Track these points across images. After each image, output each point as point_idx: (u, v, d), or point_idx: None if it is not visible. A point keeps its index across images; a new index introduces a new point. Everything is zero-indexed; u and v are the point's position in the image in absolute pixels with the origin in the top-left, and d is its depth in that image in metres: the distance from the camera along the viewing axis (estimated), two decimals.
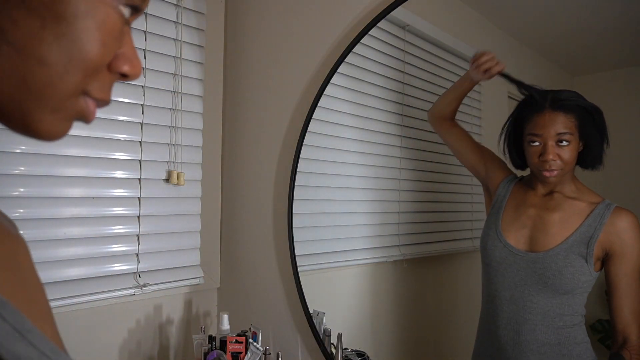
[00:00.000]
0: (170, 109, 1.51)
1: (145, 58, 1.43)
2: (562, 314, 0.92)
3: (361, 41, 1.26)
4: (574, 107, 0.89)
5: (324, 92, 1.33)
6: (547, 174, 0.91)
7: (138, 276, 1.43)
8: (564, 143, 0.88)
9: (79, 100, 0.36)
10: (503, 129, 0.99)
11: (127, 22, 0.38)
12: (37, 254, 1.27)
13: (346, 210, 1.35)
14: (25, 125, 0.34)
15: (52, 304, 1.26)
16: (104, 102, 0.38)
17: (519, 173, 1.01)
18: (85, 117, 0.37)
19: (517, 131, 0.96)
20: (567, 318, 0.92)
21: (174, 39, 1.51)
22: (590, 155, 0.89)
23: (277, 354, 1.29)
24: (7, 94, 0.33)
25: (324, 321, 1.33)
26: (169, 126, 1.50)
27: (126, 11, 0.37)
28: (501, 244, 0.98)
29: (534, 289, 0.93)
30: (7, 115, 0.34)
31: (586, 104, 0.90)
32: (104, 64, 0.36)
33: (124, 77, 0.38)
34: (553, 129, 0.89)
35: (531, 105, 0.93)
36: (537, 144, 0.91)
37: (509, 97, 1.03)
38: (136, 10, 0.38)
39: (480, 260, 1.04)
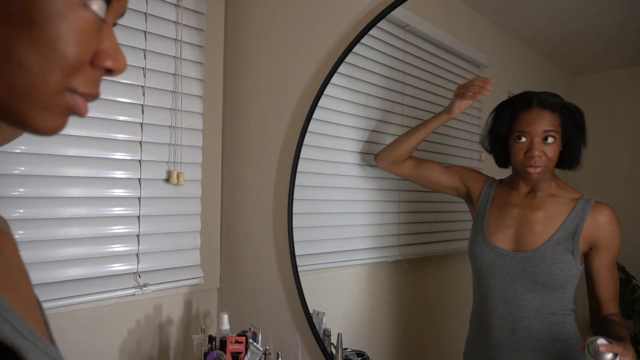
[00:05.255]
0: (170, 109, 1.51)
1: (145, 58, 1.43)
2: (554, 310, 0.94)
3: (361, 41, 1.26)
4: (559, 106, 0.92)
5: (324, 92, 1.33)
6: (531, 170, 0.94)
7: (138, 276, 1.43)
8: (550, 140, 0.91)
9: (66, 97, 0.39)
10: (486, 128, 1.02)
11: (103, 20, 0.40)
12: (37, 254, 1.28)
13: (346, 210, 1.35)
14: (23, 124, 0.38)
15: (52, 304, 1.27)
16: (92, 96, 0.41)
17: (499, 173, 1.03)
18: (77, 112, 0.40)
19: (501, 130, 0.98)
20: (559, 314, 0.94)
21: (174, 39, 1.51)
22: (568, 155, 0.92)
23: (277, 354, 1.29)
24: (1, 97, 0.36)
25: (324, 321, 1.33)
26: (169, 126, 1.50)
27: (100, 9, 0.39)
28: (489, 248, 1.00)
29: (526, 288, 0.95)
30: (6, 117, 0.37)
31: (569, 105, 0.93)
32: (83, 62, 0.38)
33: (109, 72, 0.41)
34: (540, 126, 0.92)
35: (517, 104, 0.96)
36: (524, 140, 0.93)
37: (509, 96, 1.03)
38: (109, 2, 0.40)
39: (471, 266, 1.05)
